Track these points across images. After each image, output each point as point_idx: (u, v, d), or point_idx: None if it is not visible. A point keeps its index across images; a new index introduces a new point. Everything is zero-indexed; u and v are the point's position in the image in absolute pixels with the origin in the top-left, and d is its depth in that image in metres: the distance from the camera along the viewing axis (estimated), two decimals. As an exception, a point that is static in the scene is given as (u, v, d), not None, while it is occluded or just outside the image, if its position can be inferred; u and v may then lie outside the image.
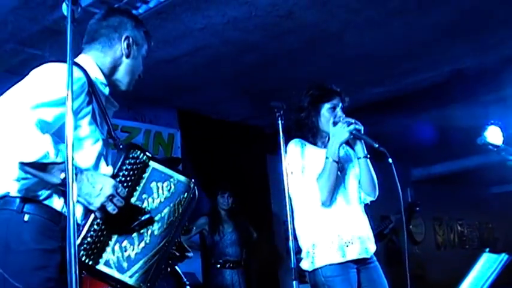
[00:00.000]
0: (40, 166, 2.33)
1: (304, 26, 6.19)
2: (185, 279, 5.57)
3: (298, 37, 6.45)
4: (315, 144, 4.07)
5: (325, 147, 4.02)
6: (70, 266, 2.00)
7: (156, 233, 2.61)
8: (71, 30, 2.25)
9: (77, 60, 2.75)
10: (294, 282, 3.51)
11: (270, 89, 7.79)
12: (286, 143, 3.80)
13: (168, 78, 7.37)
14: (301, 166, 3.93)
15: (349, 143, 4.06)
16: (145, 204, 2.61)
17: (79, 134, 2.58)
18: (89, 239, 2.47)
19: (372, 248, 4.00)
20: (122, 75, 2.89)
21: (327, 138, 4.04)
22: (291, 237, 3.60)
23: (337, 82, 6.53)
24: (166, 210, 2.64)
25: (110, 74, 2.87)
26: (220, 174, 8.50)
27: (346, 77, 7.22)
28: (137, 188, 2.61)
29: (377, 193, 4.07)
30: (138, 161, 2.62)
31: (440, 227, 14.83)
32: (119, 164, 2.59)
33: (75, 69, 2.51)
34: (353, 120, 3.91)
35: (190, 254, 3.02)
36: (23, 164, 2.33)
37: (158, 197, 2.64)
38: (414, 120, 8.78)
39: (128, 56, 2.88)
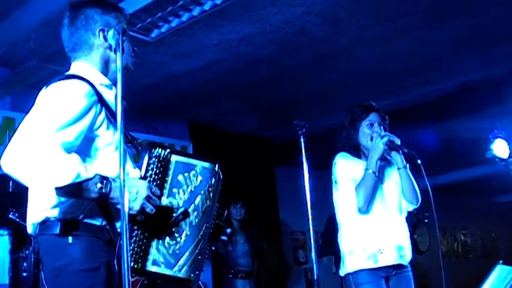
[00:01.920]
0: (75, 186, 2.38)
1: (315, 42, 6.36)
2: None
3: (310, 52, 6.62)
4: (359, 157, 4.26)
5: (367, 160, 4.21)
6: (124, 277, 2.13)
7: (194, 223, 2.69)
8: (121, 58, 2.36)
9: (74, 70, 2.77)
10: (316, 292, 3.63)
11: (280, 102, 7.98)
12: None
13: (181, 91, 7.52)
14: (343, 178, 4.14)
15: (390, 155, 4.24)
16: (177, 198, 2.67)
17: (100, 144, 2.62)
18: (132, 245, 2.54)
19: (408, 256, 4.16)
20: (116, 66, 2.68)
21: (368, 152, 4.21)
22: (313, 249, 3.72)
23: (346, 95, 6.72)
24: (199, 199, 2.71)
25: (107, 71, 2.81)
26: (230, 185, 8.61)
27: (355, 91, 7.38)
28: (165, 185, 2.67)
29: (419, 200, 4.22)
30: (161, 158, 2.67)
31: (445, 236, 14.96)
32: (145, 165, 2.65)
33: (79, 82, 2.57)
34: (387, 133, 4.12)
35: (228, 230, 3.12)
36: (58, 189, 2.39)
37: (188, 187, 2.70)
38: (421, 131, 8.89)
39: (110, 47, 2.78)
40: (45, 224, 2.56)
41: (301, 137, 3.88)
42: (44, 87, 2.63)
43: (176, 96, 7.69)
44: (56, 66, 5.91)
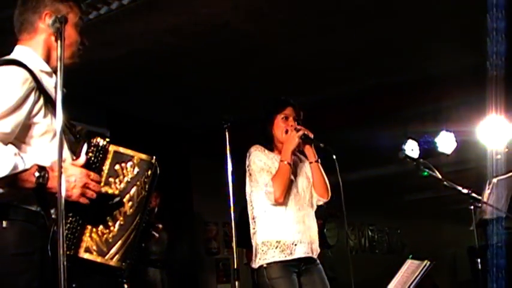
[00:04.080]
0: (12, 178, 2.40)
1: (239, 36, 6.47)
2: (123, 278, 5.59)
3: (234, 46, 6.72)
4: (271, 150, 4.36)
5: (280, 153, 4.31)
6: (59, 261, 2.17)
7: (128, 212, 2.72)
8: (61, 47, 2.38)
9: (15, 54, 2.74)
10: (236, 282, 3.74)
11: (201, 94, 8.06)
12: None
13: (101, 78, 7.46)
14: (258, 169, 4.22)
15: (303, 151, 4.37)
16: (113, 187, 2.71)
17: (37, 132, 2.61)
18: (66, 232, 2.52)
19: (317, 250, 4.30)
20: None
21: (281, 146, 4.32)
22: (234, 239, 3.83)
23: (267, 90, 6.83)
24: (134, 189, 2.73)
25: (48, 58, 2.79)
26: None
27: (276, 86, 7.51)
28: (102, 173, 2.70)
29: (329, 194, 4.38)
30: (99, 147, 2.70)
31: (353, 231, 15.37)
32: (83, 153, 2.67)
33: (17, 69, 2.55)
34: (302, 127, 4.24)
35: (160, 226, 3.16)
36: None
37: (124, 178, 2.73)
38: (336, 129, 9.10)
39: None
40: None
41: (226, 130, 3.97)
42: None
43: (96, 83, 7.61)
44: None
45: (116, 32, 6.11)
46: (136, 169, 2.77)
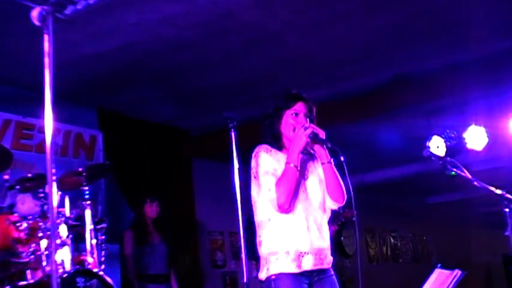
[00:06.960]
0: None
1: (243, 26, 6.46)
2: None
3: (237, 37, 6.72)
4: (279, 150, 4.33)
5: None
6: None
7: None
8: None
9: None
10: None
11: (202, 90, 8.06)
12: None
13: (92, 74, 7.46)
14: (262, 172, 4.18)
15: (313, 149, 4.33)
16: None
17: None
18: None
19: (329, 259, 4.27)
20: None
21: (289, 144, 4.29)
22: (243, 251, 3.82)
23: (274, 85, 6.84)
24: None
25: None
26: (143, 179, 8.66)
27: (284, 80, 7.54)
28: None
29: (345, 198, 4.26)
30: None
31: (373, 239, 15.31)
32: None
33: None
34: (311, 125, 4.19)
35: None
36: None
37: None
38: (351, 126, 9.11)
39: None
40: None
41: (232, 130, 3.96)
42: None
43: (86, 80, 7.63)
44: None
45: (107, 22, 6.11)
46: None
